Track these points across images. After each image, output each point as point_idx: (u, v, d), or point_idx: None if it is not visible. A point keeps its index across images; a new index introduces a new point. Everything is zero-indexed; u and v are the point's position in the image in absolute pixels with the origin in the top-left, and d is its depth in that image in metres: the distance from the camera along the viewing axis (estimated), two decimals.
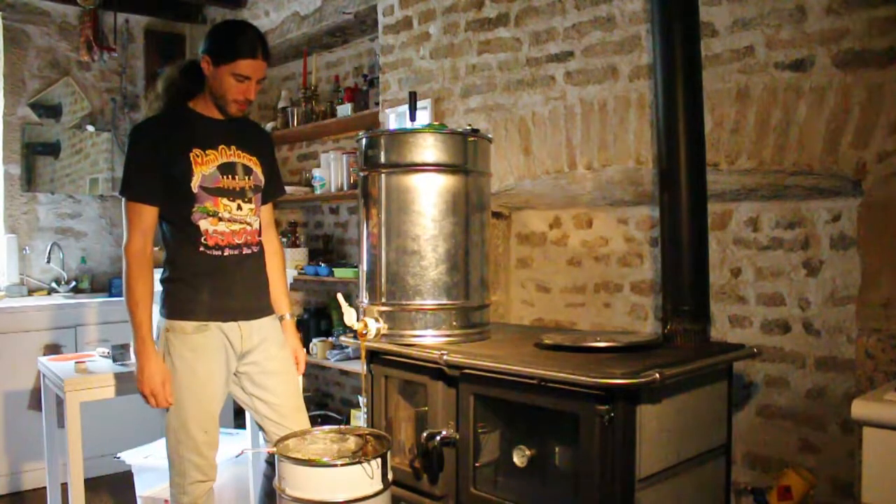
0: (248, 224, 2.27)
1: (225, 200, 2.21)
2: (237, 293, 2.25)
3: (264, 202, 2.38)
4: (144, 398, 2.15)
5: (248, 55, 2.12)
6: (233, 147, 2.25)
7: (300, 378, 2.50)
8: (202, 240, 2.19)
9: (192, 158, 2.17)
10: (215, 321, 2.21)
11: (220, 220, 2.21)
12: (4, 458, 3.66)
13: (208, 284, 2.21)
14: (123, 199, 2.18)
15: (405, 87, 3.38)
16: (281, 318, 2.42)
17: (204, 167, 2.18)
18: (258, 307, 2.32)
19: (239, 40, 2.13)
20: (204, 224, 2.19)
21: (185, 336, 2.19)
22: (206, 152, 2.20)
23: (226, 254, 2.22)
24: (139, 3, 4.64)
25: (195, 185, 2.16)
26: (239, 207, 2.24)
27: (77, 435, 2.45)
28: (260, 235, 2.34)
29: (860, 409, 1.62)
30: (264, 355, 2.30)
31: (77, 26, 4.37)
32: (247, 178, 2.27)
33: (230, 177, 2.23)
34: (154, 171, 2.15)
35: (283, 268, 2.49)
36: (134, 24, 4.81)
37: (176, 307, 2.22)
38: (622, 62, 2.59)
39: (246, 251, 2.28)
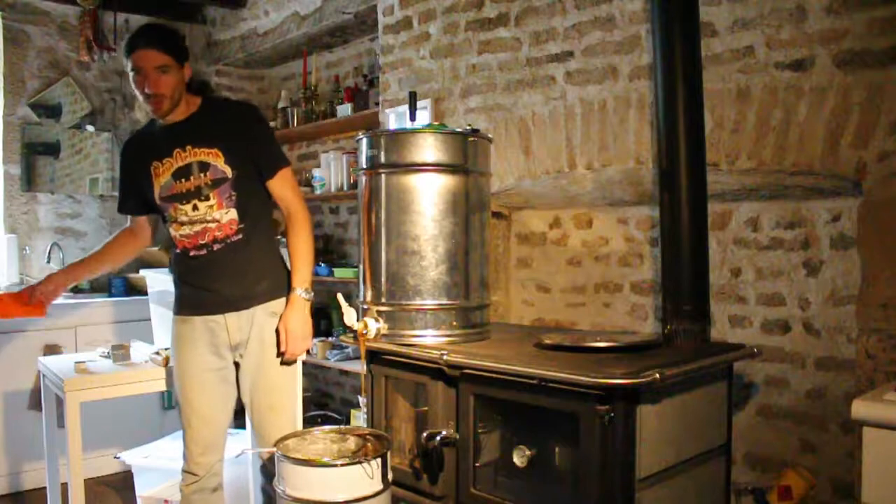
0: (213, 220, 2.25)
1: (179, 205, 2.26)
2: (215, 287, 2.28)
3: (267, 178, 2.30)
4: None
5: (130, 50, 2.17)
6: (188, 147, 2.24)
7: (297, 370, 2.45)
8: (175, 245, 2.34)
9: (152, 172, 2.28)
10: (198, 315, 2.31)
11: (182, 224, 2.27)
12: (4, 458, 3.66)
13: (187, 282, 2.34)
14: None
15: (405, 87, 3.38)
16: (290, 291, 2.31)
17: (161, 178, 2.27)
18: (245, 297, 2.30)
19: (127, 40, 2.20)
20: (172, 230, 2.31)
21: (176, 328, 2.36)
22: (163, 161, 2.26)
23: (191, 254, 2.29)
24: (139, 3, 4.63)
25: (157, 197, 2.29)
26: (195, 208, 2.24)
27: (77, 435, 2.45)
28: (241, 223, 2.26)
29: (860, 409, 1.62)
30: (251, 350, 2.32)
31: (77, 26, 4.36)
32: (202, 175, 2.23)
33: (183, 180, 2.24)
34: (126, 186, 2.42)
35: (300, 236, 2.32)
36: (134, 24, 4.78)
37: (174, 303, 2.39)
38: (622, 62, 2.59)
39: (217, 247, 2.27)
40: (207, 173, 2.23)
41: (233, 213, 2.26)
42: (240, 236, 2.28)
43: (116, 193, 4.60)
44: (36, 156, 4.45)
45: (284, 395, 2.38)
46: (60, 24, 4.48)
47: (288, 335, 2.29)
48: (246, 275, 2.30)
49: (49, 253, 4.39)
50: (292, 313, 2.30)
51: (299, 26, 4.14)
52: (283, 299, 2.34)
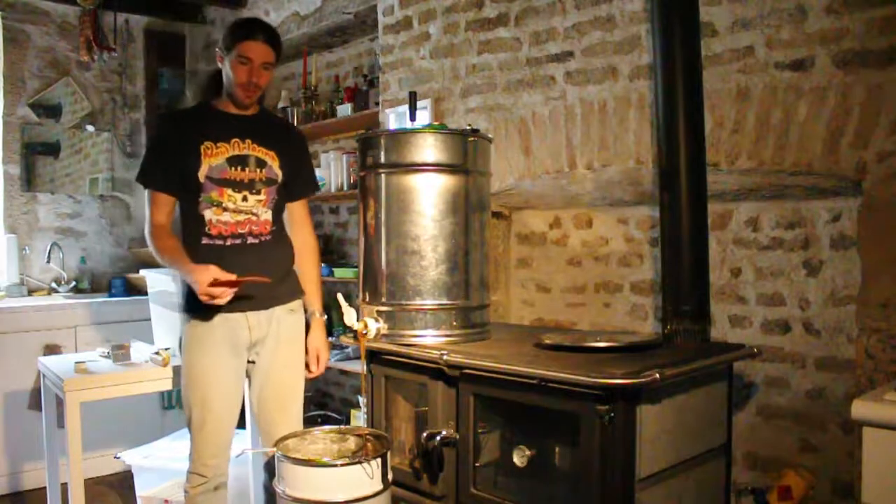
0: (255, 215, 2.31)
1: (230, 191, 2.27)
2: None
3: (293, 199, 2.44)
4: (211, 298, 2.12)
5: (246, 38, 2.23)
6: (248, 141, 2.31)
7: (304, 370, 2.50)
8: (206, 230, 2.27)
9: (201, 150, 2.25)
10: (219, 314, 2.26)
11: (225, 210, 2.27)
12: (4, 458, 3.66)
13: None
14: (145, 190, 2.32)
15: (405, 87, 3.38)
16: (311, 315, 2.47)
17: (213, 158, 2.26)
18: (268, 296, 2.31)
19: (240, 27, 2.27)
20: (208, 214, 2.27)
21: (192, 329, 2.28)
22: (218, 145, 2.28)
23: (228, 243, 2.27)
24: (139, 3, 4.63)
25: (202, 174, 2.24)
26: (245, 199, 2.29)
27: (77, 435, 2.45)
28: (273, 226, 2.36)
29: (860, 409, 1.62)
30: (267, 348, 2.34)
31: (77, 26, 4.36)
32: (259, 170, 2.31)
33: (239, 168, 2.28)
34: (166, 160, 2.28)
35: (315, 264, 2.52)
36: (134, 24, 4.80)
37: (187, 301, 2.31)
38: (622, 62, 2.59)
39: (251, 241, 2.31)
40: (263, 170, 2.32)
41: (269, 214, 2.35)
42: (269, 237, 2.35)
43: (117, 193, 4.71)
44: (36, 156, 4.45)
45: (294, 392, 2.42)
46: (60, 24, 4.48)
47: (320, 356, 2.47)
48: (272, 273, 2.33)
49: (49, 253, 4.39)
50: (320, 335, 2.48)
51: (299, 26, 4.14)
52: (299, 301, 2.43)
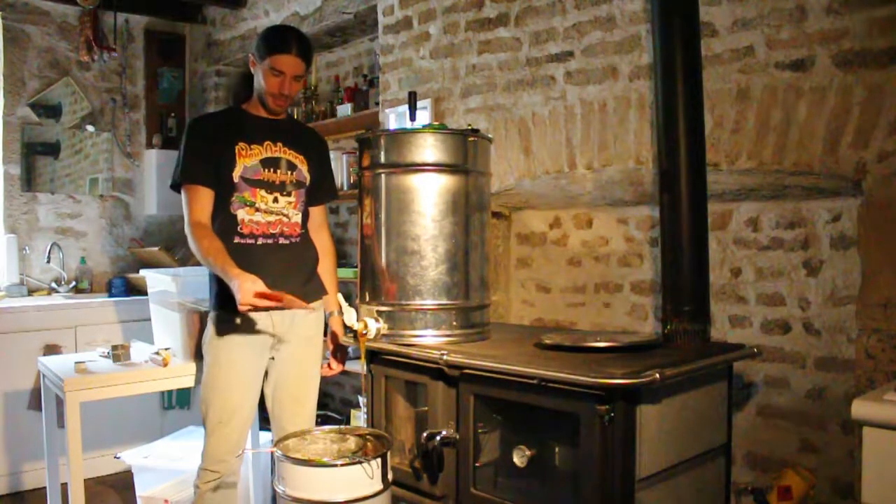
0: (285, 216, 2.36)
1: (262, 192, 2.32)
2: (269, 283, 2.22)
3: (315, 203, 2.49)
4: (256, 309, 2.08)
5: (280, 51, 2.26)
6: (279, 144, 2.37)
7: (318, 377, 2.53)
8: (238, 229, 2.29)
9: (236, 150, 2.29)
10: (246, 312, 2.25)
11: (257, 210, 2.31)
12: (4, 458, 3.66)
13: None
14: (181, 189, 2.29)
15: (405, 87, 3.38)
16: (330, 315, 2.52)
17: (247, 159, 2.30)
18: (294, 296, 2.29)
19: (274, 38, 2.30)
20: (241, 213, 2.30)
21: (218, 327, 2.32)
22: (251, 146, 2.32)
23: (259, 242, 2.31)
24: (139, 3, 4.64)
25: (236, 174, 2.28)
26: (276, 200, 2.34)
27: (77, 435, 2.45)
28: (302, 229, 2.41)
29: (860, 409, 1.62)
30: (286, 345, 2.38)
31: (77, 26, 4.36)
32: (289, 173, 2.37)
33: (271, 170, 2.34)
34: (206, 158, 2.28)
35: (334, 267, 2.58)
36: (134, 24, 4.80)
37: (215, 298, 2.34)
38: (622, 62, 2.59)
39: (282, 241, 2.35)
40: (294, 173, 2.38)
41: (299, 217, 2.40)
42: (298, 239, 2.41)
43: (117, 193, 4.71)
44: (36, 156, 4.45)
45: (310, 389, 2.47)
46: (60, 24, 4.48)
47: (340, 355, 2.57)
48: (300, 273, 2.38)
49: (49, 253, 4.38)
50: (340, 334, 2.52)
51: (299, 26, 4.14)
52: (321, 300, 2.48)
